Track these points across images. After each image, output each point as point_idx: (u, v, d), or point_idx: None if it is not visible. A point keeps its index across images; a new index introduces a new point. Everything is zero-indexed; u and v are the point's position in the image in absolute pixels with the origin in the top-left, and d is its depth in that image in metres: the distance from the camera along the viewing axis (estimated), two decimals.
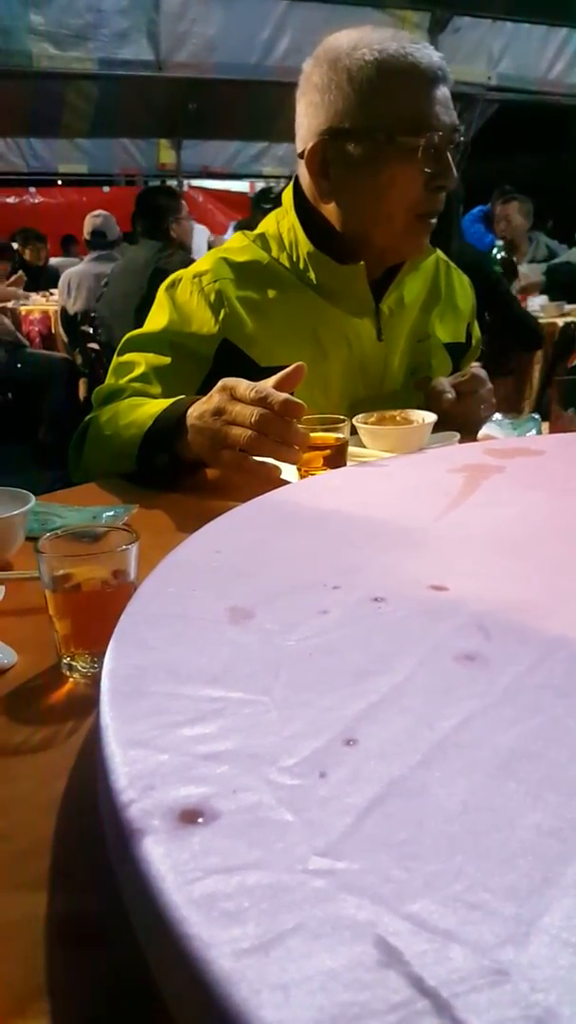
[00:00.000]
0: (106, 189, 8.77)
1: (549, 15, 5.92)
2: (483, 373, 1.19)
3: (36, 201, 9.00)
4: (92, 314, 3.99)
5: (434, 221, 1.15)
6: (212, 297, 1.13)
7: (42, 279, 6.14)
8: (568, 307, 4.13)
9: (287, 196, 1.20)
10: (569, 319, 3.90)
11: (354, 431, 1.06)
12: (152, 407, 1.01)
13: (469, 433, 1.13)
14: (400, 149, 1.06)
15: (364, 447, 1.07)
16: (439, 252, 1.31)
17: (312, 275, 1.16)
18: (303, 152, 1.13)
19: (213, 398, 0.90)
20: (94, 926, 0.35)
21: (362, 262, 1.15)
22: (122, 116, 6.52)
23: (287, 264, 1.18)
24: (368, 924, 0.24)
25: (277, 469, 0.88)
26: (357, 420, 1.07)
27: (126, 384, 1.11)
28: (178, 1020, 0.25)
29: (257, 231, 1.23)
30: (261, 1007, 0.22)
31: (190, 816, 0.29)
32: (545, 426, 1.18)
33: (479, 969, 0.23)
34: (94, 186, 8.77)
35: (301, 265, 1.17)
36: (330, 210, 1.15)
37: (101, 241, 4.80)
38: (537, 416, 1.20)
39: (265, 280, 1.17)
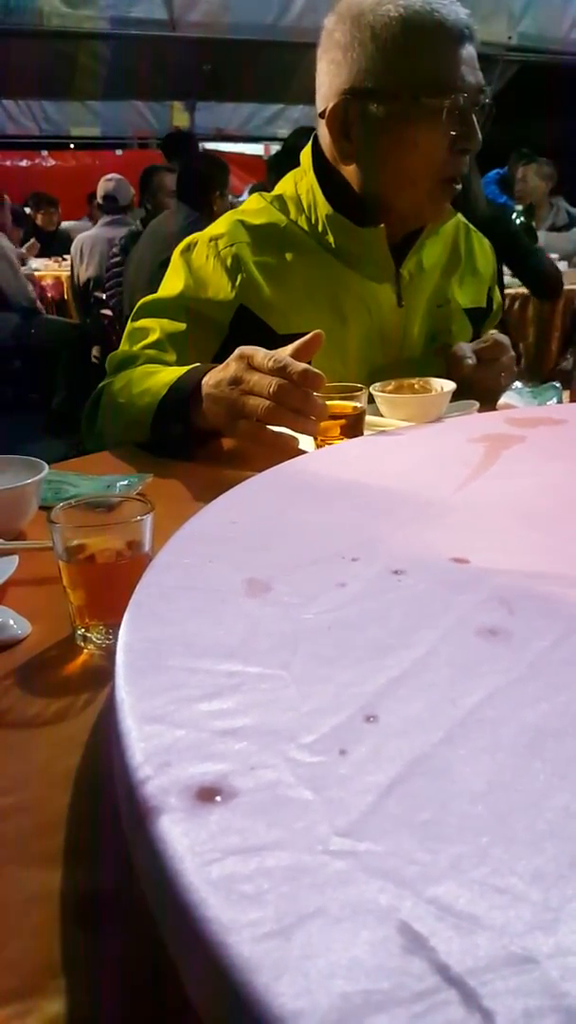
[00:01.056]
0: (119, 152, 8.66)
1: None
2: (505, 339, 1.17)
3: (48, 165, 8.89)
4: (105, 280, 3.95)
5: (458, 185, 1.12)
6: (229, 261, 1.11)
7: (55, 244, 6.10)
8: None
9: (306, 156, 1.17)
10: None
11: (371, 400, 1.04)
12: (167, 375, 0.99)
13: (489, 401, 1.11)
14: (424, 110, 1.03)
15: (382, 416, 1.06)
16: (460, 216, 1.28)
17: (331, 238, 1.14)
18: (324, 112, 1.10)
19: (230, 367, 0.89)
20: (110, 904, 0.35)
21: (382, 225, 1.12)
22: (134, 77, 6.42)
23: (305, 227, 1.15)
24: (391, 908, 0.24)
25: (294, 440, 0.87)
26: (375, 389, 1.05)
27: (140, 351, 1.10)
28: (196, 1003, 0.24)
29: (274, 192, 1.20)
30: (281, 994, 0.21)
31: (207, 794, 0.28)
32: (566, 395, 1.16)
33: (506, 956, 0.22)
34: (107, 149, 8.66)
35: (320, 228, 1.14)
36: (351, 172, 1.12)
37: (113, 206, 4.75)
38: (558, 384, 1.18)
39: (283, 244, 1.14)
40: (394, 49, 1.02)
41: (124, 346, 1.13)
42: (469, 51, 1.04)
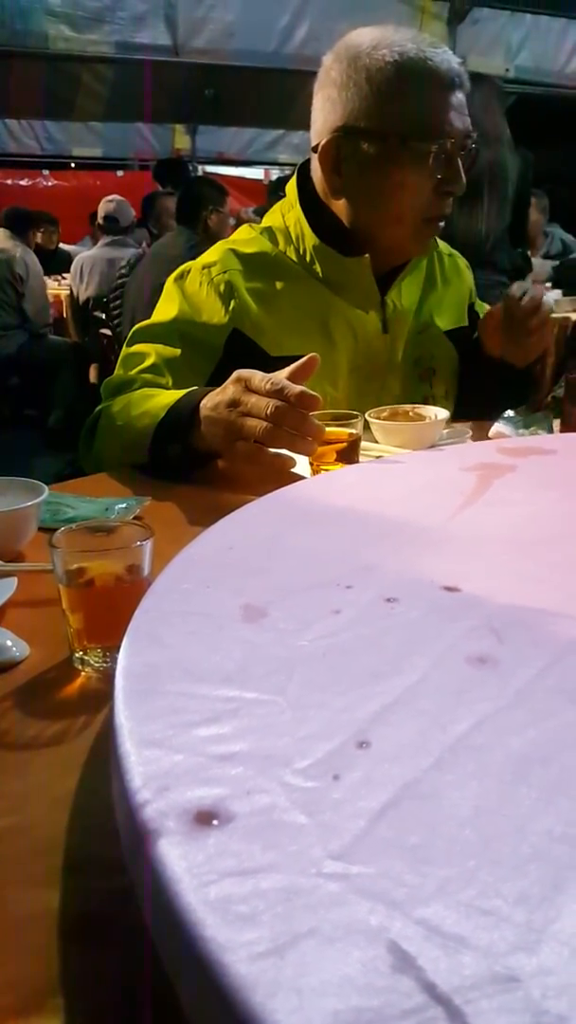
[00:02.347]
0: (120, 173, 8.73)
1: (568, 8, 5.86)
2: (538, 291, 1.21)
3: (50, 184, 8.95)
4: (105, 299, 3.98)
5: (442, 224, 1.16)
6: (222, 288, 1.14)
7: (53, 263, 6.14)
8: None
9: (291, 189, 1.22)
10: None
11: (367, 426, 1.06)
12: (165, 398, 1.01)
13: (522, 359, 1.16)
14: (412, 153, 1.08)
15: (377, 442, 1.07)
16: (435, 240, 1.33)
17: (318, 267, 1.17)
18: (317, 146, 1.14)
19: (228, 389, 0.91)
20: (107, 924, 0.35)
21: (367, 255, 1.16)
22: (138, 100, 6.48)
23: (294, 257, 1.19)
24: (382, 929, 0.25)
25: (292, 461, 0.89)
26: (370, 415, 1.07)
27: (136, 375, 1.11)
28: (192, 1021, 0.25)
29: (263, 224, 1.24)
30: (276, 1011, 0.22)
31: (205, 818, 0.29)
32: (556, 423, 1.18)
33: (491, 976, 0.23)
34: (108, 170, 8.73)
35: (308, 258, 1.18)
36: (340, 206, 1.16)
37: (114, 227, 4.79)
38: (549, 413, 1.19)
39: (273, 272, 1.18)
40: (387, 92, 1.07)
41: (119, 371, 1.15)
42: (459, 98, 1.09)
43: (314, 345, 1.01)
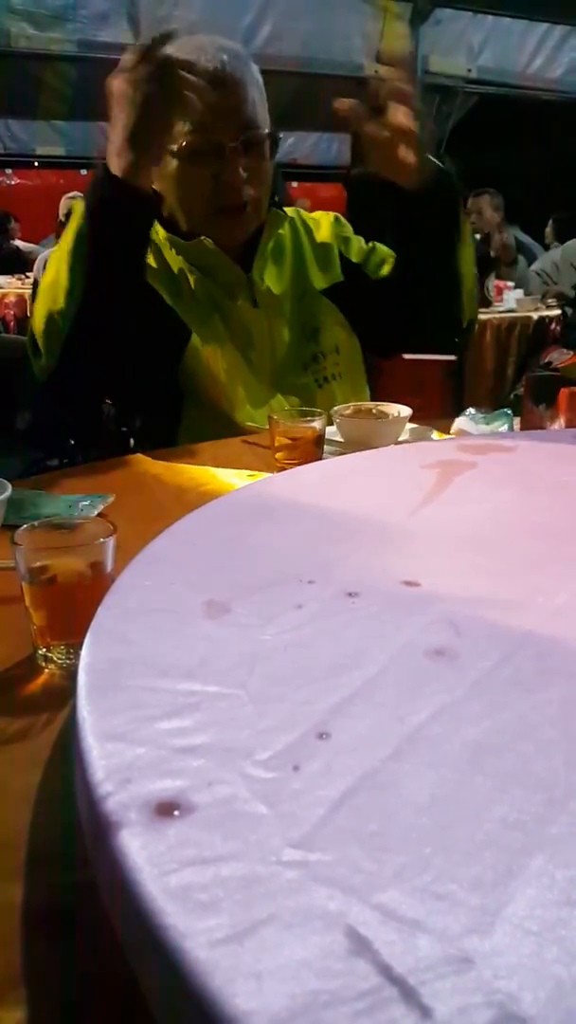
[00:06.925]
0: (84, 172, 8.66)
1: (529, 10, 5.93)
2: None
3: (13, 183, 8.88)
4: None
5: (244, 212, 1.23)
6: None
7: (17, 261, 6.08)
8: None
9: None
10: (543, 313, 3.94)
11: (329, 422, 1.07)
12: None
13: (411, 159, 1.13)
14: (185, 149, 1.17)
15: (339, 439, 1.08)
16: (297, 211, 1.40)
17: (173, 252, 1.27)
18: None
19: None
20: (71, 915, 0.36)
21: (202, 237, 1.24)
22: (101, 99, 6.44)
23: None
24: (339, 914, 0.25)
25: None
26: (333, 412, 1.08)
27: None
28: (154, 1008, 0.26)
29: None
30: (235, 995, 0.22)
31: (166, 809, 0.29)
32: (517, 421, 1.20)
33: (445, 957, 0.24)
34: (72, 169, 8.66)
35: (165, 248, 1.27)
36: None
37: None
38: (509, 411, 1.21)
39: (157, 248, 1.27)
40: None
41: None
42: (225, 94, 1.15)
43: (198, 307, 1.12)
